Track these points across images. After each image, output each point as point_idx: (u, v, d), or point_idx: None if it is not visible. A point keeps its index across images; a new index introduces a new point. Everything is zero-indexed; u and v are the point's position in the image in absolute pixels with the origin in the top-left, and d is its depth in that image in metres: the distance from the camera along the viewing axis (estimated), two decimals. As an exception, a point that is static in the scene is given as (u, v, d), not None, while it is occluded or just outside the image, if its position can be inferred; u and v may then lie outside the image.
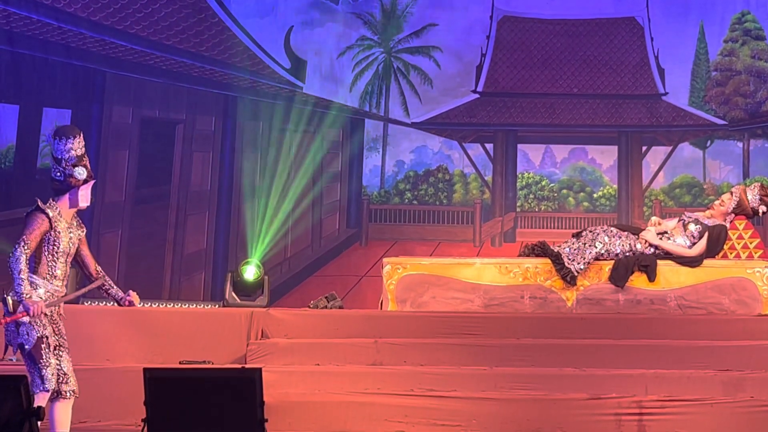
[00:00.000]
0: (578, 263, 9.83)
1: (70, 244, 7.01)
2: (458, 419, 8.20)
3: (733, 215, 10.21)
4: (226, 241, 15.07)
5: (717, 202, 10.28)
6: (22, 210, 13.75)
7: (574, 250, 9.90)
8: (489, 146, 15.70)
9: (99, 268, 7.24)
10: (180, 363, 8.82)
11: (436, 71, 15.74)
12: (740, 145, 15.31)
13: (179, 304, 12.64)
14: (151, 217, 14.96)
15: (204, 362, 8.87)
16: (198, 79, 15.34)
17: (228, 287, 11.61)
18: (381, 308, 10.13)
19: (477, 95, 15.72)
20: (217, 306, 11.73)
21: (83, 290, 7.20)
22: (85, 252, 7.20)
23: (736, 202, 10.14)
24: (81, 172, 7.04)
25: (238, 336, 9.31)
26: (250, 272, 11.89)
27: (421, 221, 15.61)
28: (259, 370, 6.35)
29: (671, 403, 8.12)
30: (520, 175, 15.59)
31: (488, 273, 10.01)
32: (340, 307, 10.51)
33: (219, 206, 15.12)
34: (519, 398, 8.30)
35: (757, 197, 10.21)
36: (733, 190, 10.35)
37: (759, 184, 10.45)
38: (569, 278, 9.81)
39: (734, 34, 15.47)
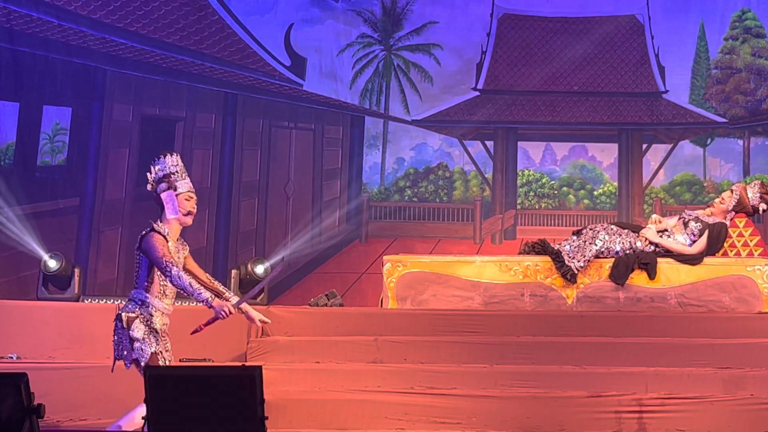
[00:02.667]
0: (578, 261, 9.83)
1: (178, 263, 7.09)
2: (458, 417, 8.21)
3: (733, 213, 10.22)
4: (226, 239, 15.08)
5: (717, 200, 10.28)
6: (21, 207, 13.72)
7: (575, 247, 9.90)
8: (489, 144, 15.69)
9: (210, 276, 7.37)
10: (180, 361, 8.83)
11: (436, 69, 15.74)
12: (741, 142, 15.31)
13: (180, 302, 12.65)
14: (152, 215, 14.95)
15: (204, 360, 8.88)
16: (198, 77, 15.33)
17: (234, 285, 11.60)
18: (381, 306, 10.14)
19: (477, 93, 15.71)
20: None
21: (249, 295, 7.35)
22: (192, 265, 7.31)
23: (736, 200, 10.15)
24: (162, 188, 7.18)
25: (239, 334, 9.33)
26: (260, 270, 11.92)
27: (421, 218, 15.60)
28: (260, 368, 6.34)
29: (671, 400, 8.12)
30: (520, 173, 15.58)
31: (488, 271, 10.03)
32: (341, 305, 10.52)
33: (219, 204, 15.12)
34: (519, 396, 8.31)
35: (758, 195, 10.22)
36: (733, 187, 10.35)
37: (759, 181, 10.45)
38: (569, 276, 9.82)
39: (735, 31, 15.46)
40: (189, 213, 7.15)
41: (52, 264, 11.83)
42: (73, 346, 9.30)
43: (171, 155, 7.26)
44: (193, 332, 7.09)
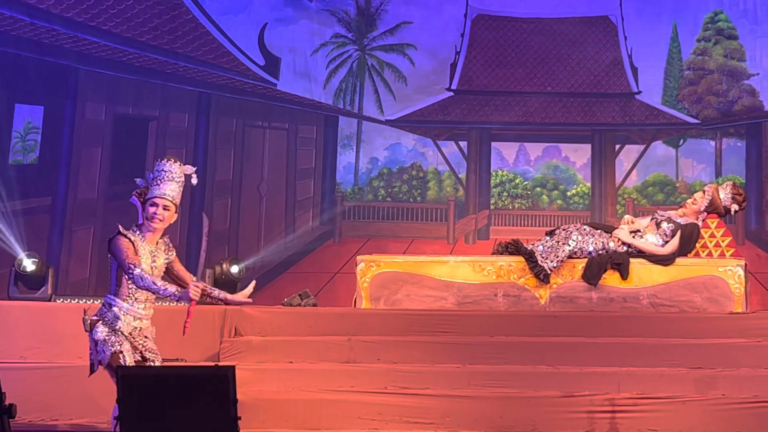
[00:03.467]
0: (551, 261, 9.85)
1: (154, 267, 7.03)
2: (431, 417, 8.21)
3: (705, 214, 10.25)
4: (199, 239, 15.04)
5: (689, 201, 10.32)
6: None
7: (548, 248, 9.92)
8: (463, 144, 15.72)
9: (195, 278, 7.28)
10: (153, 361, 8.80)
11: (410, 69, 15.75)
12: (713, 143, 15.38)
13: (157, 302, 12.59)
14: (124, 215, 14.89)
15: (177, 360, 8.85)
16: (172, 76, 15.29)
17: (209, 284, 11.54)
18: (355, 306, 10.13)
19: (451, 93, 15.73)
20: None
21: (201, 265, 7.25)
22: (179, 267, 7.23)
23: (708, 201, 10.18)
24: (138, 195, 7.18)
25: (212, 334, 9.30)
26: (235, 270, 11.90)
27: (395, 218, 15.61)
28: (233, 367, 6.32)
29: (643, 400, 8.14)
30: (494, 173, 15.61)
31: (462, 271, 10.03)
32: (314, 305, 10.51)
33: (192, 203, 15.07)
34: (492, 396, 8.31)
35: (729, 196, 10.26)
36: (705, 188, 10.39)
37: (731, 182, 10.49)
38: (542, 276, 9.83)
39: (707, 33, 15.54)
40: (150, 218, 7.11)
41: (29, 264, 11.76)
42: (45, 346, 9.24)
43: (162, 161, 7.25)
44: (184, 333, 7.05)
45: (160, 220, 7.08)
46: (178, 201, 7.17)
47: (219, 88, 15.52)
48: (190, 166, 7.29)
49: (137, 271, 6.82)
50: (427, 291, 9.97)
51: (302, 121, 15.69)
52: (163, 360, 8.15)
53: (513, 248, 10.15)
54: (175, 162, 7.23)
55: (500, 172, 15.65)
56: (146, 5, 15.14)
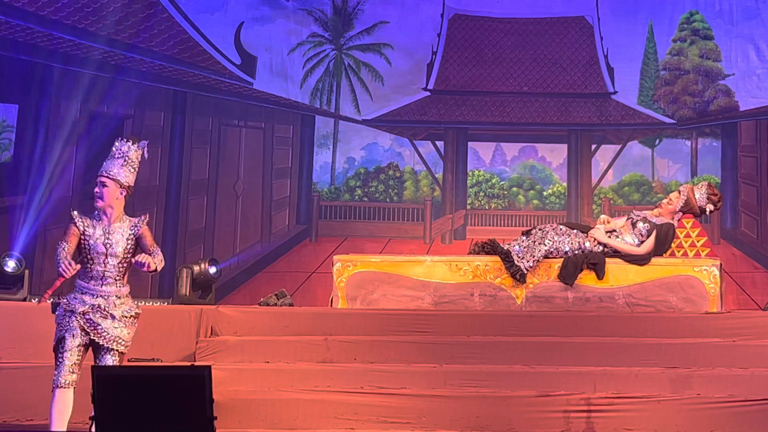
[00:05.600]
0: (528, 261, 9.86)
1: (107, 245, 7.19)
2: (408, 416, 8.21)
3: (680, 214, 10.29)
4: (174, 237, 15.00)
5: (665, 201, 10.35)
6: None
7: (524, 248, 9.94)
8: (440, 144, 15.72)
9: (153, 250, 7.34)
10: (128, 361, 8.77)
11: (387, 69, 15.74)
12: (688, 143, 15.44)
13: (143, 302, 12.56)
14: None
15: (153, 360, 8.82)
16: (147, 75, 15.24)
17: (186, 283, 11.52)
18: (331, 305, 10.12)
19: (428, 93, 15.73)
20: (166, 303, 11.66)
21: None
22: (144, 242, 7.33)
23: (683, 201, 10.22)
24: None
25: (188, 333, 9.29)
26: (213, 270, 11.90)
27: (372, 218, 15.60)
28: (209, 367, 6.31)
29: (619, 400, 8.17)
30: (470, 173, 15.62)
31: (438, 270, 10.04)
32: (290, 305, 10.50)
33: (167, 202, 15.03)
34: (469, 395, 8.32)
35: (705, 196, 10.30)
36: (681, 188, 10.43)
37: (706, 183, 10.53)
38: (519, 276, 9.85)
39: (683, 33, 15.59)
40: (95, 198, 7.25)
41: (12, 265, 11.73)
42: (20, 346, 9.21)
43: (117, 141, 7.33)
44: (39, 302, 7.24)
45: (99, 198, 7.19)
46: (119, 177, 7.29)
47: (195, 86, 15.47)
48: (143, 141, 7.41)
49: (60, 245, 7.10)
50: (404, 291, 9.98)
51: (279, 120, 15.67)
52: (138, 359, 8.15)
53: (489, 248, 10.16)
54: (124, 140, 7.35)
55: (477, 172, 15.66)
56: (122, 3, 15.08)
